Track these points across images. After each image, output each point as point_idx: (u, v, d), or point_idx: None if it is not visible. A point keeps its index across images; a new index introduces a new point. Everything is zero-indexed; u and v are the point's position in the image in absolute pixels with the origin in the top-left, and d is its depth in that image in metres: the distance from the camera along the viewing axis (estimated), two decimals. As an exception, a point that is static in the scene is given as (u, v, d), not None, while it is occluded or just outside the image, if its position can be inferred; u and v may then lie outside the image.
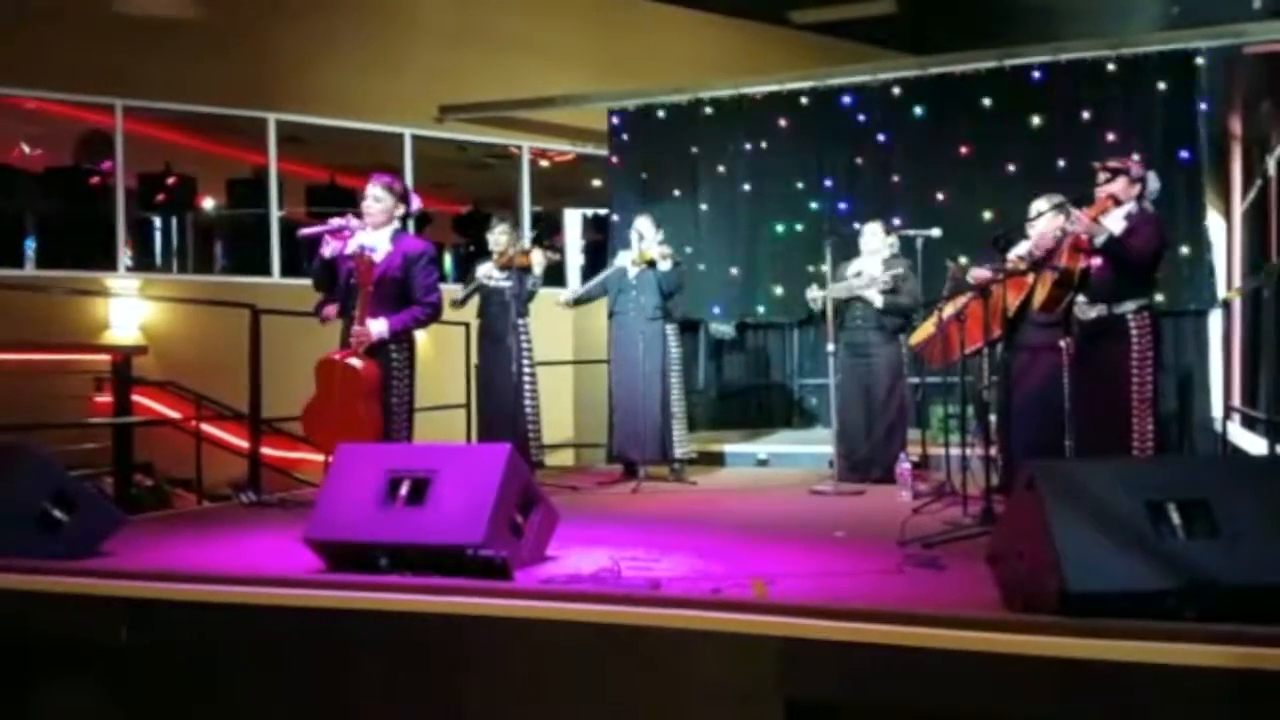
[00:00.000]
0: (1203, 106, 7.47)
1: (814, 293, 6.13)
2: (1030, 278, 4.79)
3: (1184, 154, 7.44)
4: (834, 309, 5.87)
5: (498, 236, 6.25)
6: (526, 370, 6.10)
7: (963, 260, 5.45)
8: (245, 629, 3.07)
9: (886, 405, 6.01)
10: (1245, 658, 2.25)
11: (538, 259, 6.12)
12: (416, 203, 4.96)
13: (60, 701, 3.28)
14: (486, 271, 6.14)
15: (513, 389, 5.98)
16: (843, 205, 8.51)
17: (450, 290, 6.14)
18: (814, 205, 8.65)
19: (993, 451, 4.70)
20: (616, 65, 10.32)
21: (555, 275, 6.65)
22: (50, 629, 3.27)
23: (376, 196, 4.66)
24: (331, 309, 4.78)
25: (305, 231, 4.98)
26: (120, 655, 3.15)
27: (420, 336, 4.97)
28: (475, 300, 6.27)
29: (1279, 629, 2.27)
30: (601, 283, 6.44)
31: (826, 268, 5.92)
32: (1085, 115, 7.76)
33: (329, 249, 4.63)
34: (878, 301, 5.96)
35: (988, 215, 7.66)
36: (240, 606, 3.06)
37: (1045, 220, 4.79)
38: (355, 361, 4.48)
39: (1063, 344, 4.86)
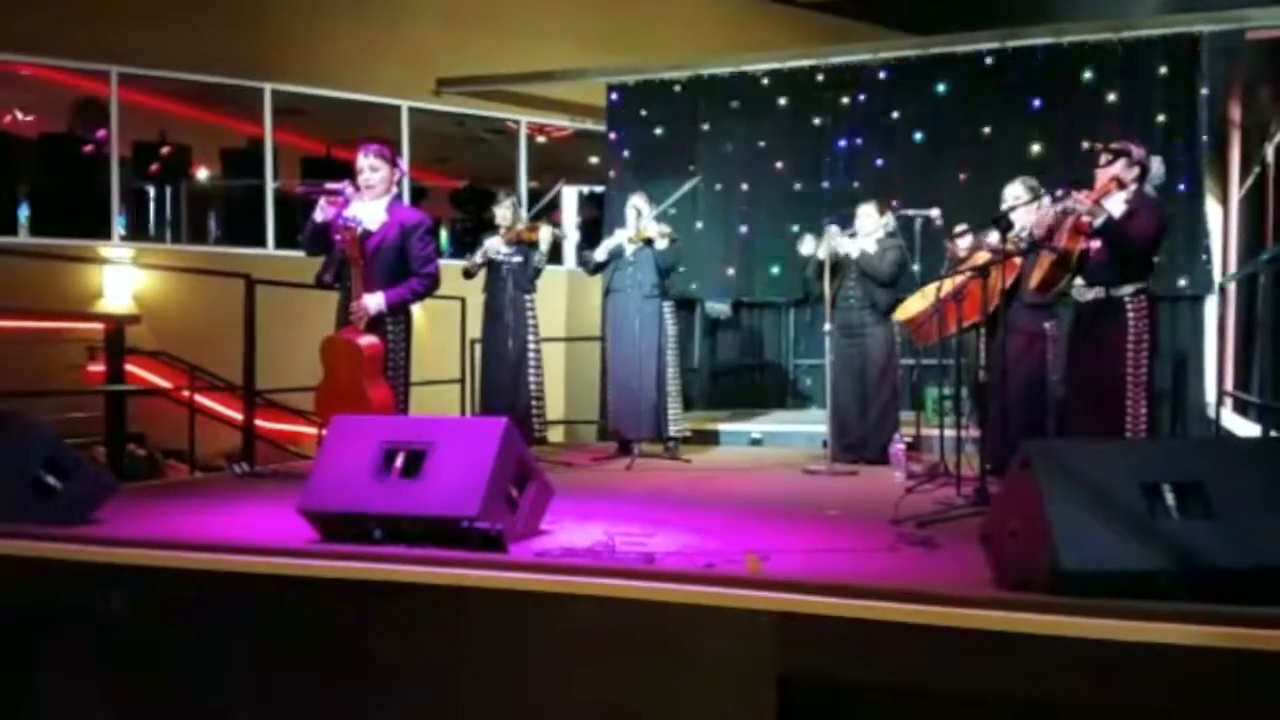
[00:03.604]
0: (1203, 91, 7.45)
1: (808, 246, 6.04)
2: (1018, 259, 4.80)
3: (1183, 139, 7.42)
4: (825, 275, 5.82)
5: (504, 211, 6.23)
6: (531, 345, 6.11)
7: (960, 229, 5.44)
8: (240, 597, 3.07)
9: (880, 386, 6.00)
10: (1237, 638, 2.26)
11: (544, 235, 6.11)
12: (403, 166, 4.93)
13: (56, 669, 3.28)
14: (495, 246, 6.14)
15: (511, 364, 5.99)
16: (840, 185, 8.48)
17: (451, 265, 6.15)
18: (813, 185, 8.63)
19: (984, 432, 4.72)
20: (616, 41, 10.26)
21: (554, 252, 6.60)
22: (44, 596, 3.27)
23: (374, 166, 4.63)
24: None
25: (301, 188, 4.95)
26: (113, 623, 3.15)
27: (416, 310, 4.95)
28: (481, 275, 6.27)
29: (1271, 610, 2.28)
30: (615, 246, 6.35)
31: (822, 253, 5.89)
32: (1086, 97, 7.75)
33: (322, 214, 4.60)
34: (854, 253, 5.93)
35: (986, 196, 7.63)
36: (235, 575, 3.06)
37: (1022, 205, 4.80)
38: (358, 339, 4.46)
39: (1046, 327, 4.91)
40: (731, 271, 8.85)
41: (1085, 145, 4.43)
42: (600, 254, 6.33)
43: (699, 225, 8.73)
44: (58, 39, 8.76)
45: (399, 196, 4.88)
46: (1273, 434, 5.73)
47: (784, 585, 2.66)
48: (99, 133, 9.43)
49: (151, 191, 10.16)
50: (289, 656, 3.05)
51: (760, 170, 8.78)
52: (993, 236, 4.92)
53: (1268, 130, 7.69)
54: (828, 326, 5.79)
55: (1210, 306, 7.49)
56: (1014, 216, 4.79)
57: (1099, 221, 4.16)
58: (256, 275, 5.78)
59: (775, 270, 8.71)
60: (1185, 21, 7.56)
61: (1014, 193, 5.03)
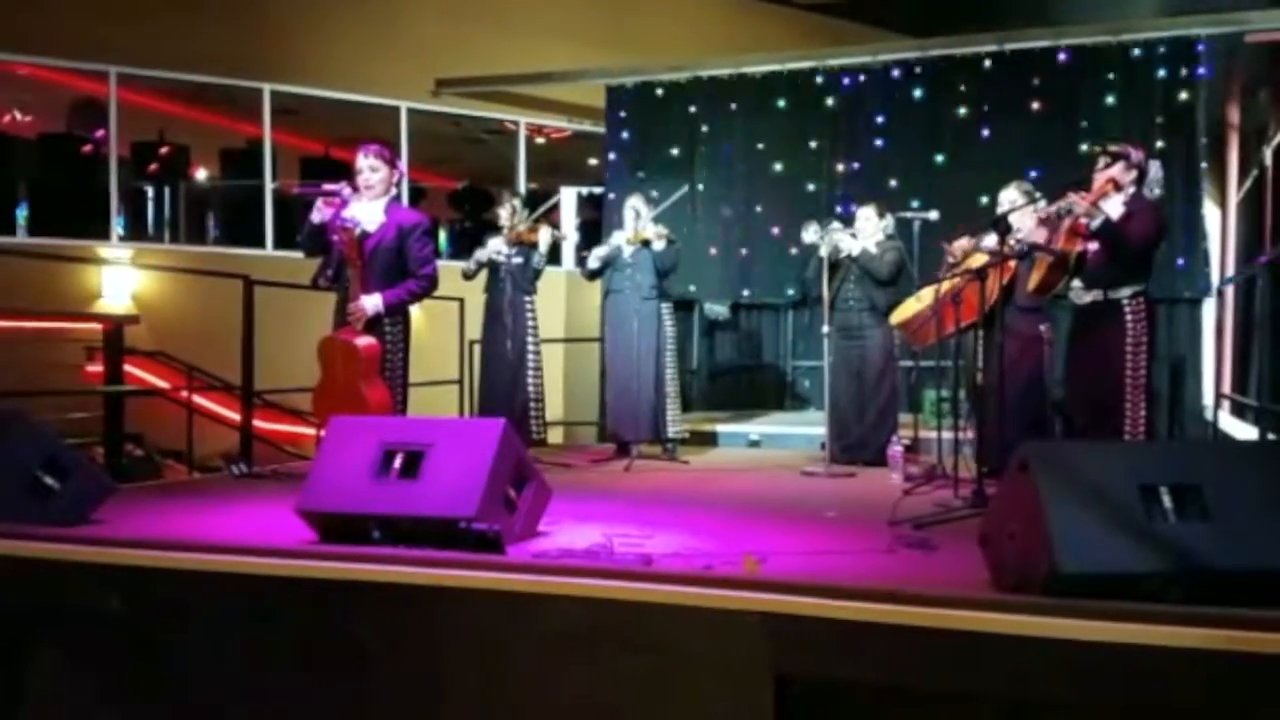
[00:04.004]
0: (1202, 94, 7.46)
1: (811, 234, 6.01)
2: (1013, 262, 4.82)
3: (1181, 141, 7.43)
4: (824, 275, 5.83)
5: (504, 212, 6.24)
6: (530, 347, 6.12)
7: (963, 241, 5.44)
8: (237, 598, 3.07)
9: (878, 388, 6.00)
10: (1232, 641, 2.26)
11: (544, 236, 6.12)
12: (402, 166, 4.93)
13: (53, 669, 3.28)
14: (496, 246, 6.15)
15: (510, 366, 5.99)
16: (840, 187, 8.49)
17: (449, 266, 6.16)
18: (811, 187, 8.63)
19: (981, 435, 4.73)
20: (616, 41, 10.26)
21: (552, 254, 6.62)
22: (41, 596, 3.27)
23: (373, 167, 4.62)
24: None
25: (298, 189, 4.93)
26: (111, 623, 3.15)
27: (415, 311, 4.95)
28: (482, 275, 6.28)
29: (1266, 613, 2.29)
30: (609, 253, 6.38)
31: (824, 250, 5.90)
32: (1084, 100, 7.76)
33: (319, 215, 4.59)
34: (855, 250, 5.94)
35: (985, 199, 7.64)
36: (233, 576, 3.06)
37: (1018, 209, 4.81)
38: (355, 340, 4.45)
39: (1042, 329, 4.92)
40: (730, 273, 8.85)
41: (1084, 148, 4.43)
42: (593, 262, 6.36)
43: (698, 226, 8.73)
44: (57, 39, 8.76)
45: (397, 197, 4.88)
46: (1270, 436, 5.74)
47: (781, 587, 2.66)
48: (98, 133, 9.42)
49: (150, 192, 10.16)
50: (285, 657, 3.05)
51: (759, 172, 8.77)
52: (990, 240, 4.93)
53: (1266, 133, 7.70)
54: (826, 328, 5.80)
55: (1208, 309, 7.49)
56: (1012, 219, 4.80)
57: (1096, 223, 4.17)
58: (255, 276, 5.78)
59: (773, 272, 8.70)
60: (1183, 24, 7.57)
61: (1009, 197, 5.05)
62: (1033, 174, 6.09)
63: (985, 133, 8.01)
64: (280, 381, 6.39)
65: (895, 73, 8.37)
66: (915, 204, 6.93)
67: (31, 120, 10.00)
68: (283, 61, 9.60)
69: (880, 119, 8.41)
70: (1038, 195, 5.00)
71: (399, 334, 4.64)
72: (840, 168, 8.55)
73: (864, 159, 8.47)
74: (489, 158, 11.49)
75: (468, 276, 6.31)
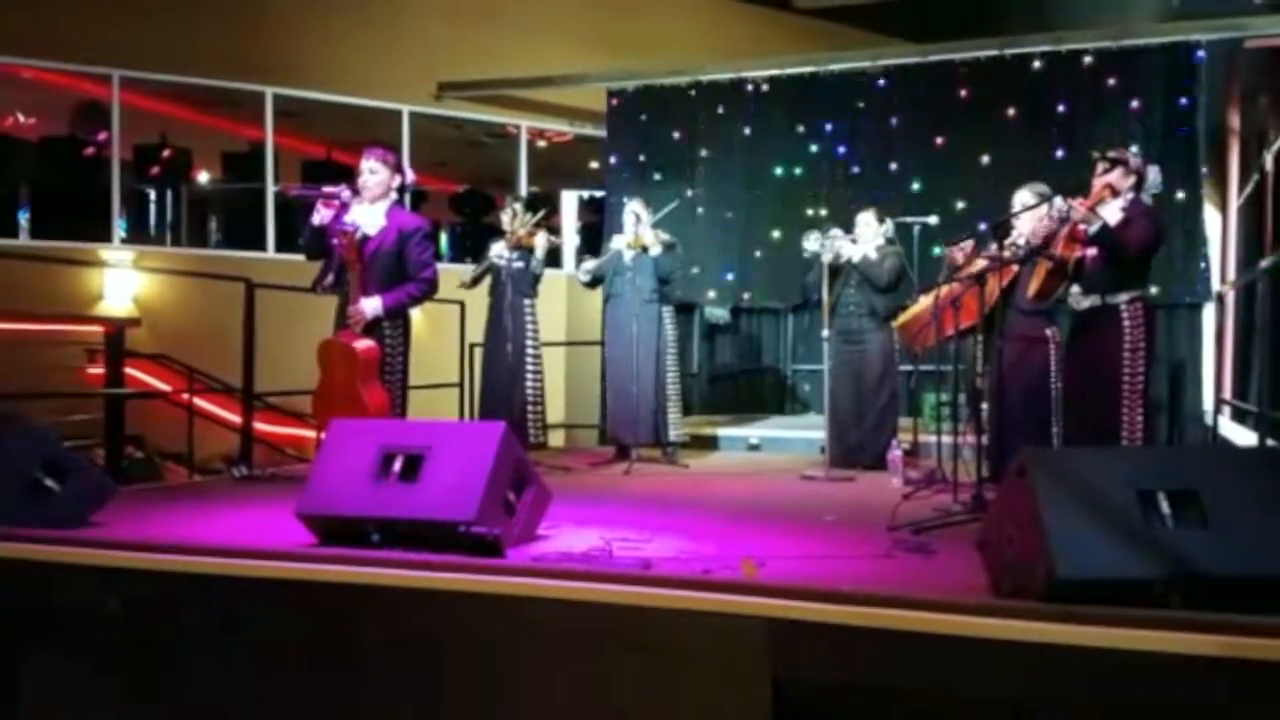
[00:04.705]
0: (1202, 99, 7.47)
1: (812, 243, 6.03)
2: (1014, 266, 4.82)
3: (1182, 146, 7.43)
4: (824, 280, 5.84)
5: (506, 215, 6.26)
6: (530, 350, 6.13)
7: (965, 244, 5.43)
8: (237, 601, 3.07)
9: (878, 392, 6.01)
10: (1230, 646, 2.26)
11: (540, 241, 6.14)
12: (410, 175, 4.93)
13: (49, 671, 3.29)
14: (498, 251, 6.17)
15: (508, 369, 6.00)
16: (840, 192, 8.49)
17: (450, 270, 6.17)
18: (811, 191, 8.63)
19: (984, 439, 4.73)
20: (617, 46, 10.28)
21: (552, 257, 6.65)
22: (40, 598, 3.28)
23: (372, 169, 4.63)
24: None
25: (296, 191, 4.94)
26: (110, 625, 3.16)
27: (415, 314, 4.96)
28: (487, 279, 6.30)
29: (1264, 619, 2.29)
30: (607, 261, 6.43)
31: (826, 257, 5.90)
32: (1084, 105, 7.76)
33: (319, 217, 4.60)
34: (855, 255, 5.94)
35: (985, 203, 7.65)
36: (233, 579, 3.07)
37: (1031, 211, 4.80)
38: (354, 343, 4.46)
39: (1049, 332, 4.91)
40: (730, 276, 8.85)
41: (1095, 155, 4.42)
42: (583, 275, 6.41)
43: (698, 230, 8.73)
44: (60, 42, 8.78)
45: (399, 201, 4.88)
46: (1270, 442, 5.73)
47: (780, 591, 2.66)
48: (100, 135, 9.44)
49: (152, 194, 10.17)
50: (284, 660, 3.05)
51: (759, 176, 8.78)
52: (993, 245, 4.93)
53: (1266, 138, 7.70)
54: (826, 332, 5.80)
55: (1208, 314, 7.49)
56: (1020, 222, 4.79)
57: (1094, 229, 4.18)
58: (256, 278, 5.78)
59: (773, 275, 8.70)
60: (1184, 30, 7.58)
61: (1022, 199, 5.03)
62: (1032, 179, 6.08)
63: (986, 138, 8.00)
64: (281, 384, 6.40)
65: (896, 78, 8.34)
66: (915, 210, 6.92)
67: (34, 123, 10.02)
68: (285, 65, 9.62)
69: (880, 125, 8.40)
70: (1051, 194, 4.96)
71: (399, 337, 4.65)
72: (841, 173, 8.54)
73: (863, 164, 8.47)
74: (490, 161, 11.50)
75: (466, 285, 6.31)
